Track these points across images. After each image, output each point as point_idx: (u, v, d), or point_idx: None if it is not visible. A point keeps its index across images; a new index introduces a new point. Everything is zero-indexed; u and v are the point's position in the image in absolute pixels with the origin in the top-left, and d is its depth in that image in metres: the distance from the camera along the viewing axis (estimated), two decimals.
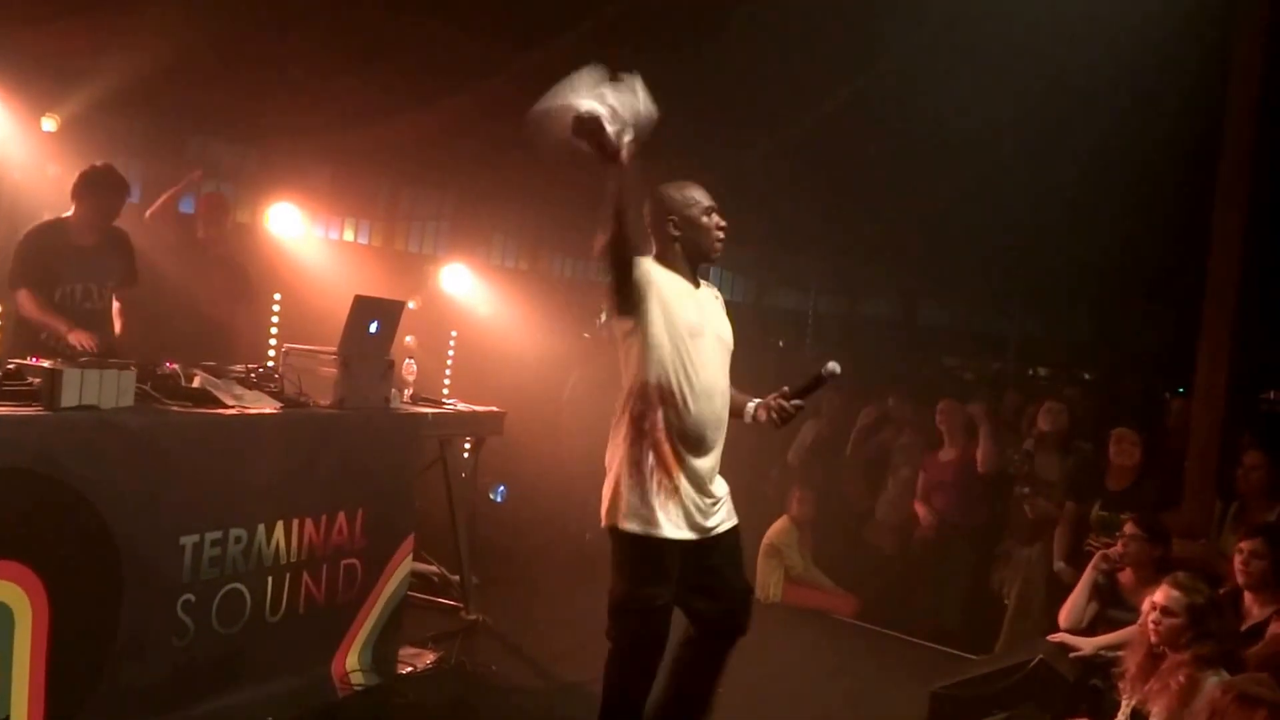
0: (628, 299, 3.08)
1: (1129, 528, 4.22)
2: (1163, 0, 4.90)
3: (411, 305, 5.66)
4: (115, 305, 4.66)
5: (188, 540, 3.24)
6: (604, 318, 9.77)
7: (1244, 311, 4.54)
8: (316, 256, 6.97)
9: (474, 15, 5.62)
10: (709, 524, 3.17)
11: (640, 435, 3.09)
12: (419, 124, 6.41)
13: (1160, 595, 3.43)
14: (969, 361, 9.30)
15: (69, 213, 4.44)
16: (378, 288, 5.07)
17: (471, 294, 8.04)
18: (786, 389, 3.21)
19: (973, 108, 5.78)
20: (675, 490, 3.09)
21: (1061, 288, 8.76)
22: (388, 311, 4.09)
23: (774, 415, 3.18)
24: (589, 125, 2.87)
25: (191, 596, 3.27)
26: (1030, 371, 9.42)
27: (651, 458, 3.08)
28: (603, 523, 3.18)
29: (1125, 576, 4.21)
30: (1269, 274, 4.71)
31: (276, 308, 6.45)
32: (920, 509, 5.99)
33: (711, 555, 3.18)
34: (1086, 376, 8.91)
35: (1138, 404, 6.37)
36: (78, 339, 4.10)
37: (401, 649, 4.23)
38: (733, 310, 3.36)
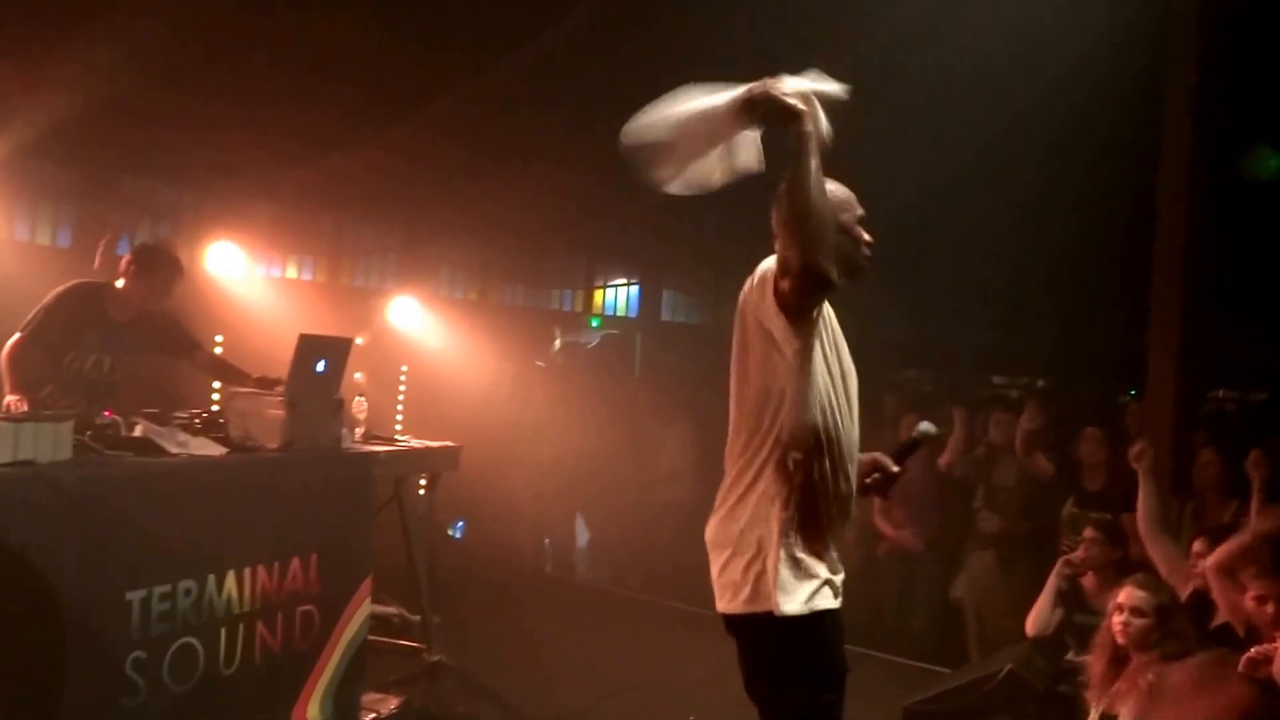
0: (811, 312, 2.38)
1: (1088, 532, 4.27)
2: (1104, 8, 5.02)
3: (359, 341, 5.56)
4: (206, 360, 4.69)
5: (135, 596, 3.11)
6: (558, 344, 9.76)
7: (1190, 313, 4.64)
8: (259, 296, 6.82)
9: (414, 47, 5.58)
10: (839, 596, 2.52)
11: (791, 491, 2.42)
12: (361, 157, 6.33)
13: (1125, 597, 3.45)
14: (926, 373, 9.39)
15: (120, 283, 4.31)
16: (324, 325, 4.96)
17: (421, 327, 7.93)
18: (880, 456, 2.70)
19: (921, 120, 5.87)
20: (825, 551, 2.47)
21: (1014, 297, 8.90)
22: (335, 349, 4.00)
23: (876, 484, 2.67)
24: (758, 97, 2.29)
25: (141, 654, 3.14)
26: (989, 381, 9.54)
27: (800, 518, 2.43)
28: (735, 608, 2.45)
29: (1088, 581, 4.25)
30: (1213, 276, 4.82)
31: (219, 350, 6.29)
32: (881, 524, 5.99)
33: None
34: (1041, 383, 9.04)
35: (1095, 408, 6.47)
36: (11, 404, 3.93)
37: (364, 695, 4.11)
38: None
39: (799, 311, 2.38)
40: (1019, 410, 5.66)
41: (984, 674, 4.15)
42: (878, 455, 2.70)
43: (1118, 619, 3.44)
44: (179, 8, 4.73)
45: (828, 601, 2.46)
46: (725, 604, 2.48)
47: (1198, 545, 3.80)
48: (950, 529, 5.82)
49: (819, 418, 2.43)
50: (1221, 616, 3.58)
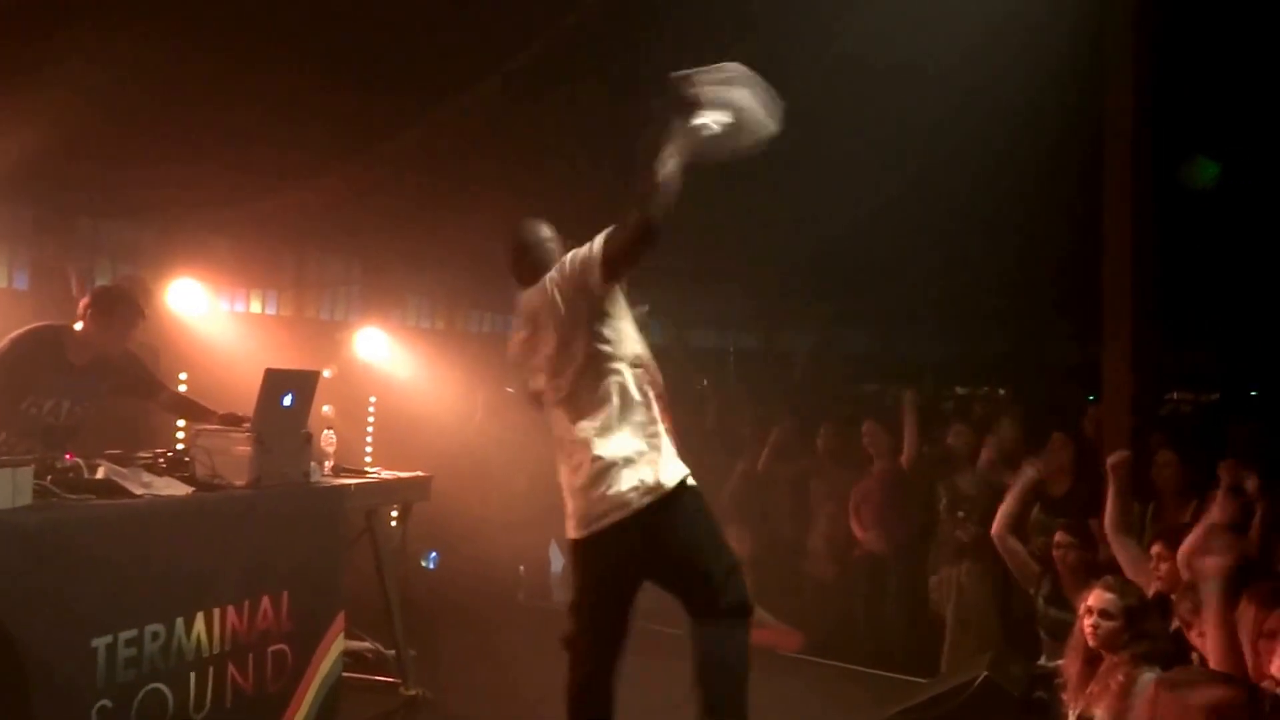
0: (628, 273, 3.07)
1: (1061, 536, 4.34)
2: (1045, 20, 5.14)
3: (326, 374, 5.54)
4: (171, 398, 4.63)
5: (100, 642, 3.06)
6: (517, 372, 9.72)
7: (1141, 317, 4.75)
8: (223, 331, 6.78)
9: (372, 79, 5.58)
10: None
11: (646, 401, 3.07)
12: (321, 188, 6.31)
13: (1094, 599, 3.51)
14: (889, 387, 9.50)
15: (79, 325, 4.25)
16: (290, 359, 4.94)
17: (388, 358, 7.90)
18: None
19: (873, 136, 5.96)
20: (671, 445, 3.09)
21: (971, 308, 9.03)
22: (302, 382, 3.98)
23: None
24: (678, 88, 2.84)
25: (108, 702, 3.08)
26: (951, 391, 9.67)
27: (653, 421, 3.05)
28: (643, 501, 2.94)
29: (1065, 580, 4.31)
30: (1162, 279, 4.93)
31: (183, 388, 6.23)
32: (854, 525, 6.07)
33: None
34: (1001, 392, 9.17)
35: (1054, 414, 6.60)
36: None
37: None
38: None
39: (620, 273, 3.02)
40: (979, 419, 5.74)
41: (959, 682, 4.19)
42: None
43: (1087, 621, 3.50)
44: (134, 46, 4.71)
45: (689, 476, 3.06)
46: (622, 512, 2.94)
47: (1156, 548, 3.87)
48: (917, 535, 5.87)
49: (638, 350, 3.12)
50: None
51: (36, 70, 4.59)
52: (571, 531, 3.07)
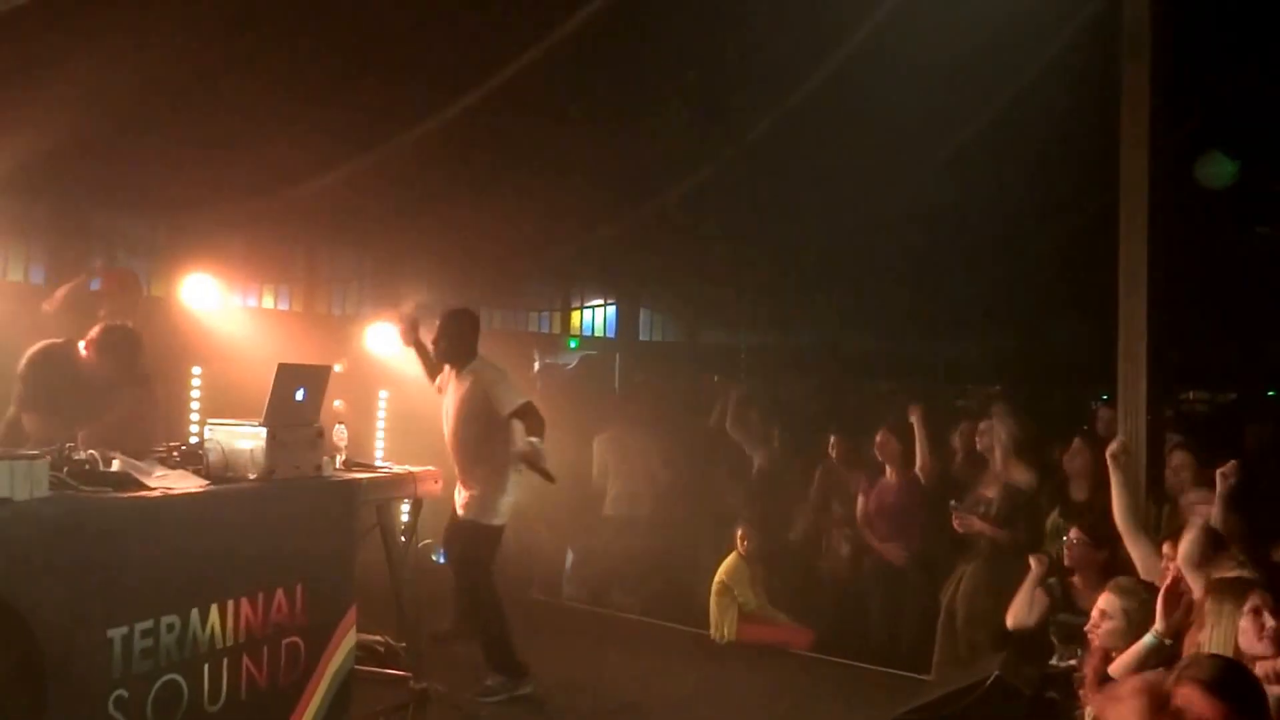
0: None
1: (1073, 534, 4.31)
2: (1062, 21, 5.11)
3: (338, 368, 5.56)
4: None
5: (116, 632, 3.08)
6: (537, 366, 9.75)
7: (1156, 317, 4.71)
8: (236, 326, 6.80)
9: (385, 75, 5.59)
10: None
11: None
12: (333, 184, 6.33)
13: (1101, 600, 3.53)
14: (901, 386, 9.45)
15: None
16: (302, 353, 4.96)
17: (399, 353, 7.89)
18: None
19: (888, 137, 5.94)
20: None
21: (984, 307, 8.99)
22: (313, 377, 4.00)
23: None
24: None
25: (124, 692, 3.10)
26: (963, 390, 9.63)
27: None
28: None
29: (1078, 580, 4.28)
30: (1177, 278, 4.89)
31: (197, 382, 6.25)
32: (869, 536, 6.03)
33: None
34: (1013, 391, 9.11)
35: (1067, 414, 6.56)
36: None
37: None
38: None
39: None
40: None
41: (971, 681, 4.17)
42: None
43: (1093, 622, 3.52)
44: (148, 41, 4.73)
45: None
46: None
47: (1166, 548, 3.84)
48: (934, 540, 5.84)
49: None
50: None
51: (51, 67, 4.62)
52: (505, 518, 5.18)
